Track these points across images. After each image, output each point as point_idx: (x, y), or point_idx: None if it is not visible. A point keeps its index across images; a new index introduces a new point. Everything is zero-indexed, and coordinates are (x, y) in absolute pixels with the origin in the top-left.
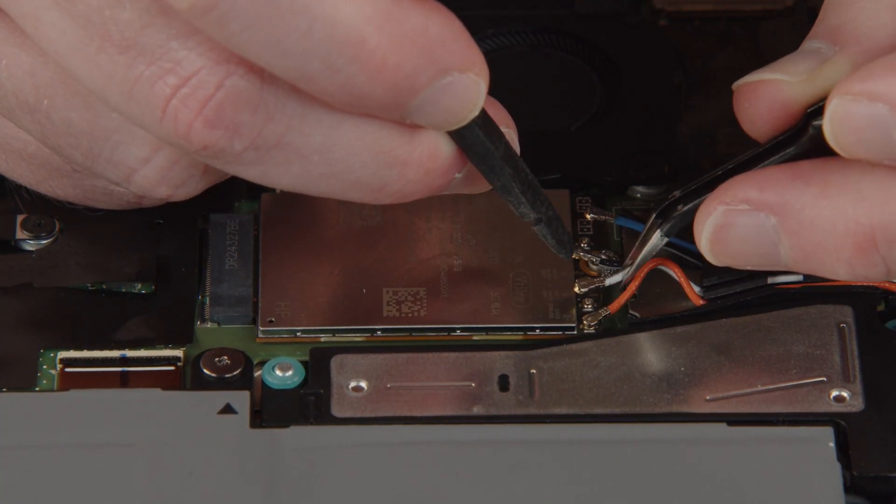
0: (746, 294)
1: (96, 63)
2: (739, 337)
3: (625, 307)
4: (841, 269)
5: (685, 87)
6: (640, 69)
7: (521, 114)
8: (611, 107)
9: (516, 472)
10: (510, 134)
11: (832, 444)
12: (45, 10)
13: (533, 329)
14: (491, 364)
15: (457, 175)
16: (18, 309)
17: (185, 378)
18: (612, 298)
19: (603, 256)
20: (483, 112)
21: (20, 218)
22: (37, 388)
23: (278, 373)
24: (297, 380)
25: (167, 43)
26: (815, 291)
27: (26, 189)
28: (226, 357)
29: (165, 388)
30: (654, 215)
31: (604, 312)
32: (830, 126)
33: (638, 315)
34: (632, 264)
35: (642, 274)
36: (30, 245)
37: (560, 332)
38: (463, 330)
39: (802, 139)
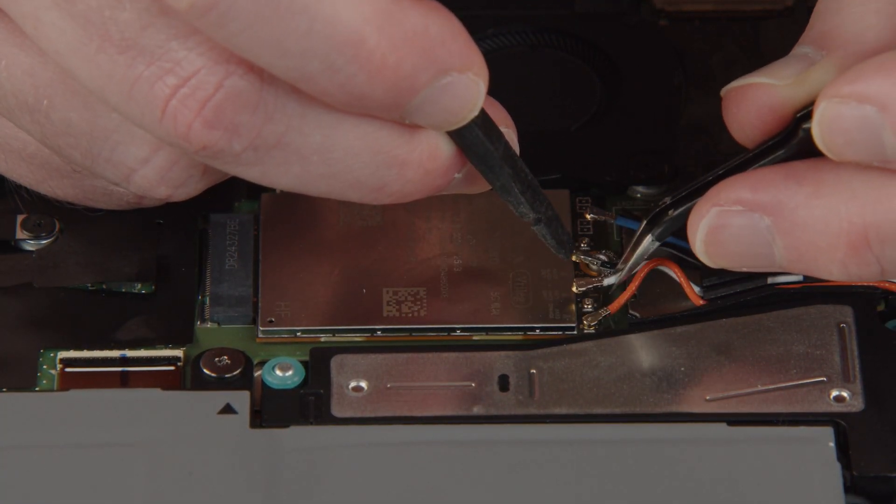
0: (746, 294)
1: (96, 63)
2: (739, 337)
3: (625, 307)
4: (835, 268)
5: (685, 87)
6: (640, 69)
7: (521, 114)
8: (611, 107)
9: (516, 472)
10: (509, 134)
11: (832, 444)
12: (44, 10)
13: (533, 329)
14: (491, 364)
15: (456, 175)
16: (18, 309)
17: (185, 378)
18: (612, 298)
19: (602, 257)
20: (482, 112)
21: (20, 218)
22: (37, 388)
23: (278, 373)
24: (297, 380)
25: (167, 43)
26: (815, 291)
27: (26, 189)
28: (226, 357)
29: (165, 388)
30: (644, 222)
31: (604, 312)
32: (819, 129)
33: (638, 315)
34: (624, 268)
35: (642, 274)
36: (30, 245)
37: (560, 332)
38: (463, 330)
39: (792, 142)
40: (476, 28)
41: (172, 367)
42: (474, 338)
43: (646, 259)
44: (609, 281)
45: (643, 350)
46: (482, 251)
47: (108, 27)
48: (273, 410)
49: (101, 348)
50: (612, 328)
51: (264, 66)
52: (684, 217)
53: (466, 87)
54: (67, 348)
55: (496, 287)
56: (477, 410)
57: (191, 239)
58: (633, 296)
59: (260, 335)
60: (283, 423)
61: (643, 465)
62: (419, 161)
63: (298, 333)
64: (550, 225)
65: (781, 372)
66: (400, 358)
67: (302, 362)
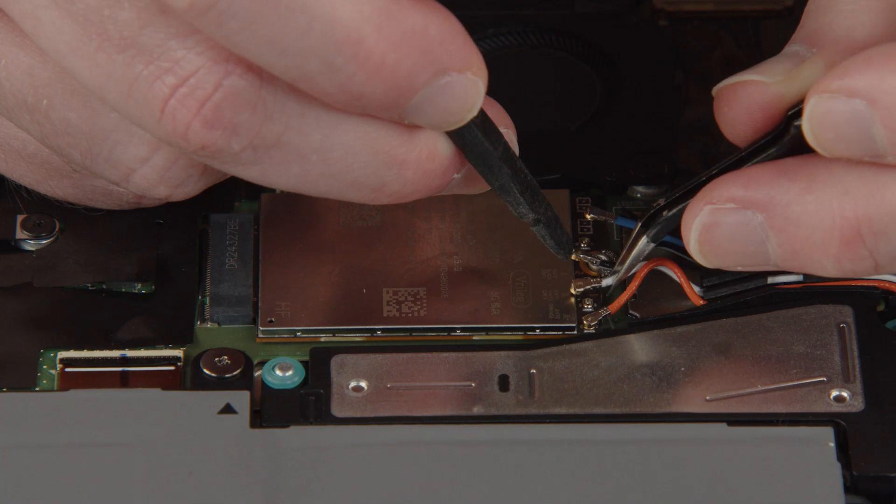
0: (746, 294)
1: (95, 62)
2: (739, 337)
3: (625, 307)
4: (829, 264)
5: (685, 87)
6: (640, 69)
7: (521, 114)
8: (611, 107)
9: (516, 472)
10: (509, 134)
11: (832, 444)
12: (44, 9)
13: (533, 329)
14: (491, 364)
15: (455, 175)
16: (18, 309)
17: (185, 378)
18: (612, 298)
19: (602, 257)
20: (481, 112)
21: (20, 218)
22: (37, 388)
23: (278, 373)
24: (297, 380)
25: (166, 42)
26: (815, 291)
27: (26, 189)
28: (226, 357)
29: (165, 388)
30: (639, 224)
31: (604, 312)
32: (809, 125)
33: (638, 315)
34: (620, 269)
35: (642, 274)
36: (30, 245)
37: (560, 332)
38: (463, 330)
39: (784, 140)
40: (476, 28)
41: (172, 367)
42: (474, 338)
43: (643, 260)
44: (607, 282)
45: (643, 350)
46: (482, 251)
47: (106, 26)
48: (273, 410)
49: (101, 348)
50: (613, 328)
51: (263, 65)
52: (679, 217)
53: (465, 87)
54: (67, 348)
55: (496, 287)
56: (477, 410)
57: (191, 239)
58: (633, 296)
59: (260, 335)
60: (283, 423)
61: (643, 465)
62: (418, 161)
63: (298, 333)
64: (549, 226)
65: (781, 372)
66: (400, 358)
67: (302, 362)
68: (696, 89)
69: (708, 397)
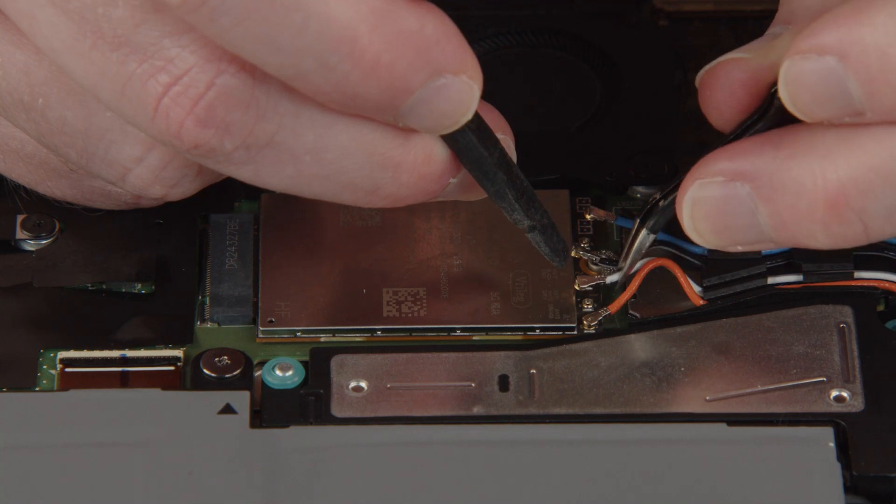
0: (746, 294)
1: (89, 60)
2: (739, 337)
3: (625, 307)
4: (819, 231)
5: (685, 87)
6: (640, 69)
7: (520, 114)
8: (611, 107)
9: (516, 473)
10: (506, 140)
11: (832, 444)
12: (40, 8)
13: (533, 329)
14: (491, 364)
15: (452, 181)
16: (18, 309)
17: (185, 378)
18: (612, 298)
19: (603, 256)
20: (477, 116)
21: (20, 218)
22: (37, 388)
23: (278, 373)
24: (297, 380)
25: (160, 41)
26: (815, 292)
27: (25, 189)
28: (226, 357)
29: (165, 388)
30: (637, 220)
31: (604, 312)
32: (786, 88)
33: (638, 315)
34: (625, 265)
35: (642, 274)
36: (30, 245)
37: (560, 333)
38: (463, 330)
39: (769, 114)
40: (476, 28)
41: (172, 367)
42: (474, 338)
43: (644, 255)
44: (612, 278)
45: (643, 350)
46: (482, 251)
47: (101, 24)
48: (273, 410)
49: (101, 348)
50: (613, 328)
51: (257, 63)
52: (674, 205)
53: (460, 89)
54: (67, 348)
55: (496, 287)
56: (477, 410)
57: (191, 239)
58: (633, 296)
59: (260, 335)
60: (283, 423)
61: (643, 465)
62: (413, 164)
63: (298, 333)
64: (545, 233)
65: (781, 372)
66: (400, 358)
67: (302, 362)
68: (696, 89)
69: (708, 397)
